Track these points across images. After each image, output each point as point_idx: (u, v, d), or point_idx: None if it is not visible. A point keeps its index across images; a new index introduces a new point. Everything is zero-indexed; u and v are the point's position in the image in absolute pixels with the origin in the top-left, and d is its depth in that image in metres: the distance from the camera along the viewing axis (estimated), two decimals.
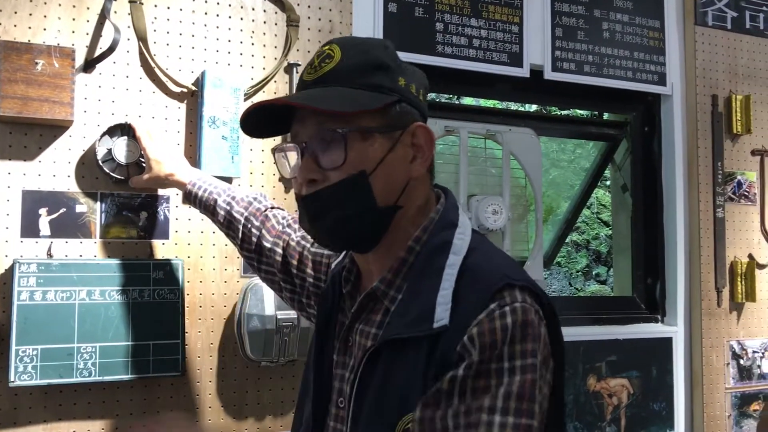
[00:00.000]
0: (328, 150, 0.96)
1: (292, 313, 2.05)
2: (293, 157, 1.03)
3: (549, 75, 2.70)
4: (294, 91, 2.24)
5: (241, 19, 2.20)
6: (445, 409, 0.86)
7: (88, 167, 1.99)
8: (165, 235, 2.07)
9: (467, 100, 6.02)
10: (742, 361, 2.93)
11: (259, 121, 1.05)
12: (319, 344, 1.10)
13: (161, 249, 2.06)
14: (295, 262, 1.42)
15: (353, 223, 0.97)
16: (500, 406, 0.83)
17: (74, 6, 1.99)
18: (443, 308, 0.91)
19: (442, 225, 1.01)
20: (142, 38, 2.05)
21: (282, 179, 2.21)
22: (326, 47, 1.02)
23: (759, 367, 2.96)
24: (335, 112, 0.94)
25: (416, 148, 1.01)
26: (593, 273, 7.58)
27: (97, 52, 2.00)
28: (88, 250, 1.98)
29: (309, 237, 1.36)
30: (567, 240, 6.29)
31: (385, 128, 0.97)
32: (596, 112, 3.54)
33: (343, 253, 1.19)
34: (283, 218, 1.57)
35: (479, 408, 0.84)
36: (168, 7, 2.10)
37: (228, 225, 1.65)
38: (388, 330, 0.96)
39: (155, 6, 2.09)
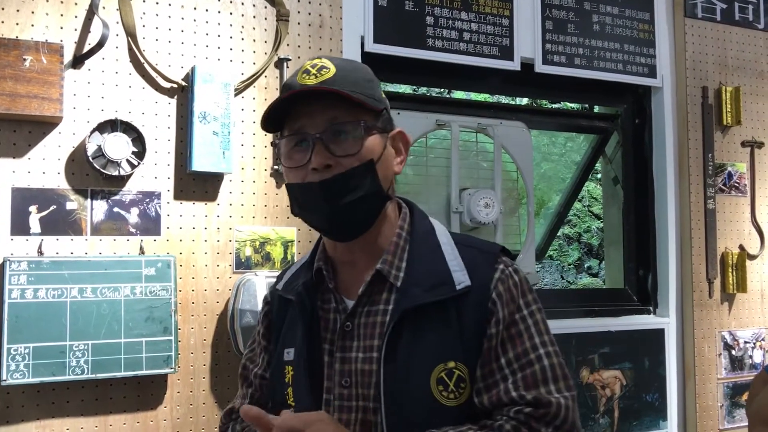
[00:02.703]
0: (342, 140, 1.09)
1: None
2: (291, 147, 1.12)
3: (539, 68, 2.70)
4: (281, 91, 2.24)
5: (231, 14, 2.19)
6: (497, 361, 1.08)
7: (78, 164, 1.98)
8: (157, 232, 2.06)
9: (458, 94, 6.00)
10: (733, 352, 2.94)
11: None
12: (309, 345, 1.18)
13: (153, 245, 2.05)
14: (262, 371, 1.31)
15: (364, 206, 1.11)
16: (539, 342, 1.10)
17: (62, 2, 1.97)
18: (460, 273, 1.12)
19: (417, 217, 1.21)
20: (131, 34, 2.04)
21: (273, 174, 2.21)
22: (317, 60, 1.13)
23: (750, 357, 2.98)
24: (367, 104, 1.09)
25: (397, 149, 1.19)
26: (585, 266, 7.59)
27: (86, 48, 1.99)
28: (79, 247, 1.97)
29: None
30: (559, 233, 6.30)
31: (380, 129, 1.14)
32: (587, 105, 3.54)
33: (286, 276, 1.27)
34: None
35: (524, 351, 1.09)
36: (157, 2, 2.09)
37: None
38: (406, 301, 1.09)
39: (144, 1, 2.07)
